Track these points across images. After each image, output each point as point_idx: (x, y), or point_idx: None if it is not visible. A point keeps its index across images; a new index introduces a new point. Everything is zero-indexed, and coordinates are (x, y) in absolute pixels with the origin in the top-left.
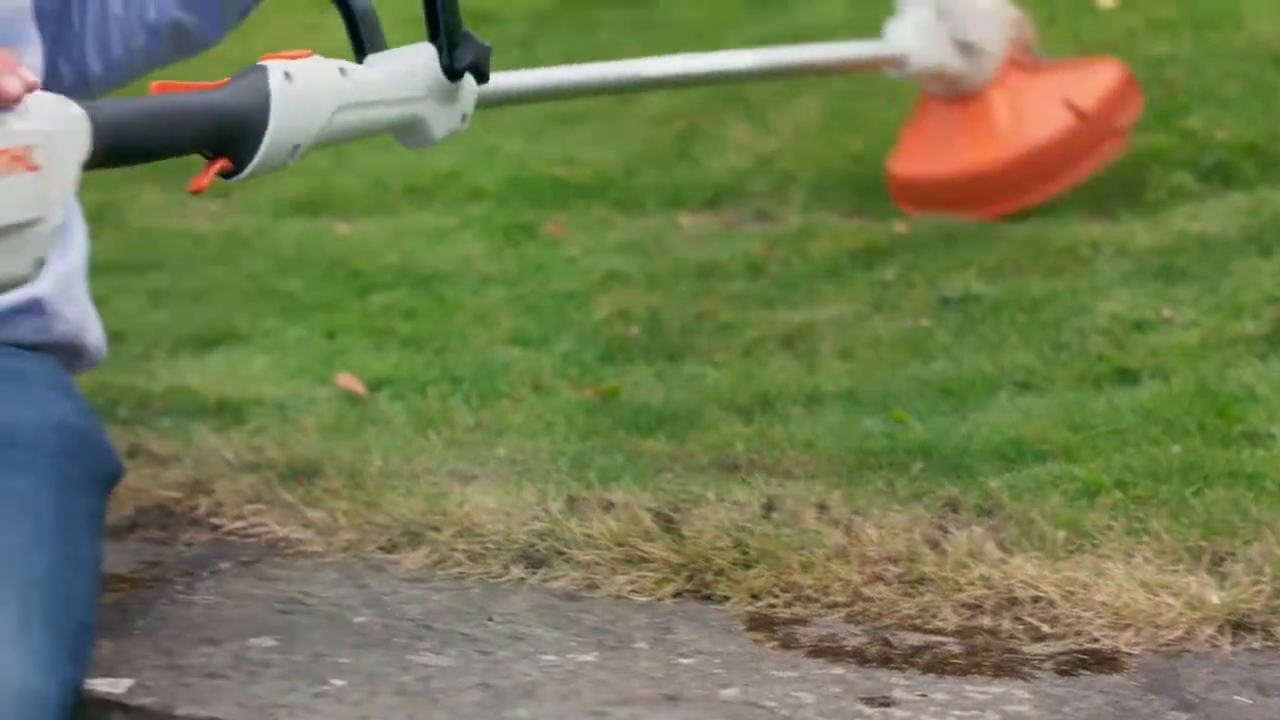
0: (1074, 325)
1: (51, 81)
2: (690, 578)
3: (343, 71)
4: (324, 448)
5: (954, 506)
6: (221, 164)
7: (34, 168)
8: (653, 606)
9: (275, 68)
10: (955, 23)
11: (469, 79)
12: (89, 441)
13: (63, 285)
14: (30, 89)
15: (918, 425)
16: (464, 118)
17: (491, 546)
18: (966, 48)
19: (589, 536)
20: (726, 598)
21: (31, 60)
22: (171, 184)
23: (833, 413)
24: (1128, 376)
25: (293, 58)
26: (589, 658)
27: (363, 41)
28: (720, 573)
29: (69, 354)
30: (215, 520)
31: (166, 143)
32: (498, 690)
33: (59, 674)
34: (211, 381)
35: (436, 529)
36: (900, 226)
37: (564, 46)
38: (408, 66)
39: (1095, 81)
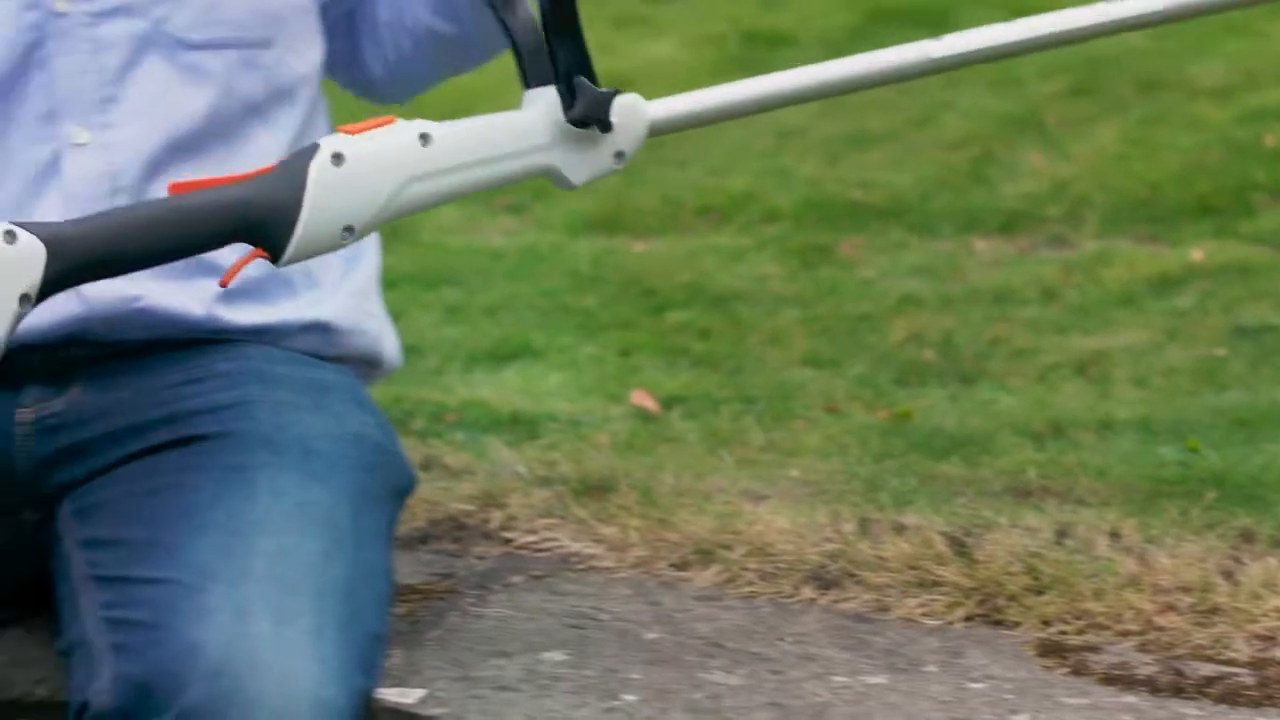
0: None
1: (346, 77)
2: (981, 602)
3: (424, 139)
4: (617, 464)
5: (1248, 537)
6: (255, 254)
7: None
8: (943, 630)
9: (326, 148)
10: None
11: (619, 106)
12: (384, 454)
13: (354, 302)
14: None
15: (1212, 454)
16: (618, 156)
17: (783, 566)
18: None
19: (880, 559)
20: (1017, 623)
21: (311, 58)
22: (467, 200)
23: (1126, 440)
24: None
25: (364, 129)
26: (879, 680)
27: (525, 73)
28: (1012, 598)
29: (365, 365)
30: (507, 534)
31: (172, 246)
32: (788, 710)
33: (351, 683)
34: (505, 396)
35: (728, 548)
36: (1196, 255)
37: None
38: (524, 118)
39: None
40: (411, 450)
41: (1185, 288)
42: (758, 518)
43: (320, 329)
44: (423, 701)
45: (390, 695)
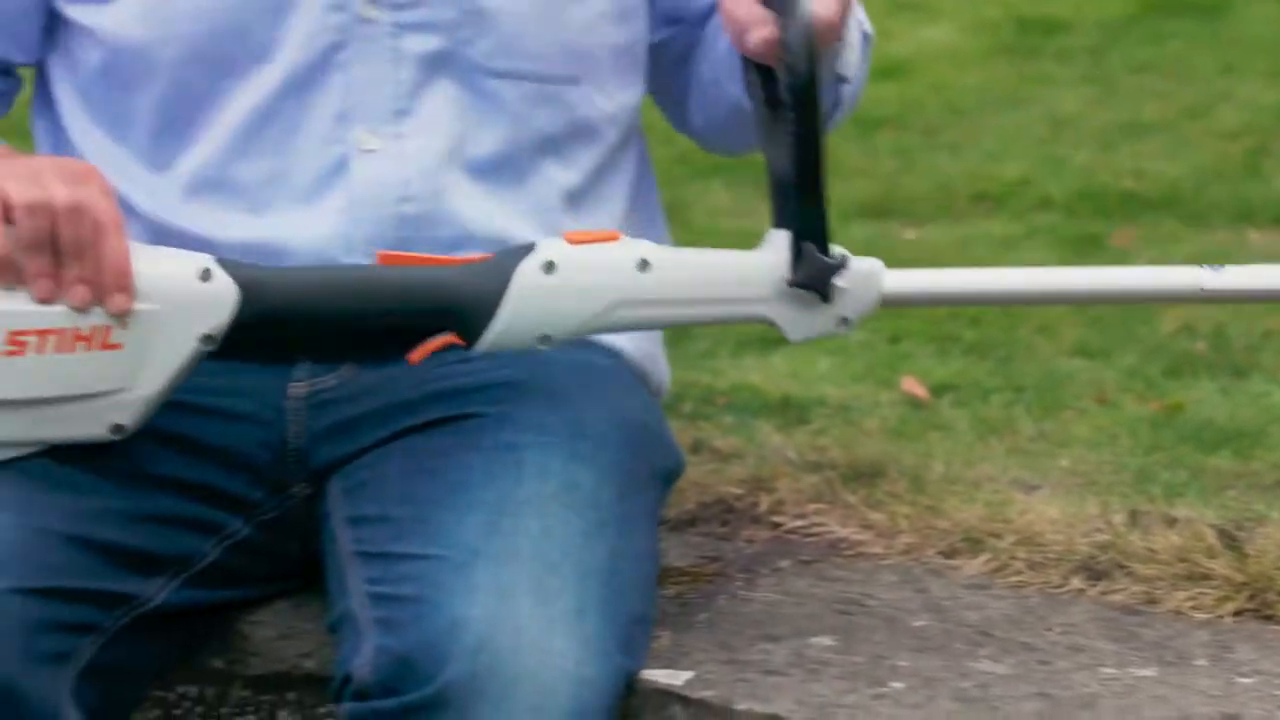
0: None
1: (673, 119)
2: (1252, 597)
3: (644, 265)
4: (886, 450)
5: None
6: (447, 339)
7: (113, 346)
8: (1213, 624)
9: (541, 253)
10: None
11: (853, 273)
12: (652, 436)
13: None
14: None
15: None
16: (843, 322)
17: (1052, 557)
18: None
19: (1151, 551)
20: None
21: (621, 99)
22: (740, 182)
23: None
24: None
25: (587, 241)
26: (1148, 673)
27: (775, 210)
28: None
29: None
30: (776, 518)
31: (369, 315)
32: (1057, 701)
33: (611, 662)
34: (775, 380)
35: (997, 536)
36: None
37: (1134, 58)
38: (750, 265)
39: None
40: (680, 433)
41: None
42: (1028, 507)
43: (597, 348)
44: (690, 683)
45: (658, 676)
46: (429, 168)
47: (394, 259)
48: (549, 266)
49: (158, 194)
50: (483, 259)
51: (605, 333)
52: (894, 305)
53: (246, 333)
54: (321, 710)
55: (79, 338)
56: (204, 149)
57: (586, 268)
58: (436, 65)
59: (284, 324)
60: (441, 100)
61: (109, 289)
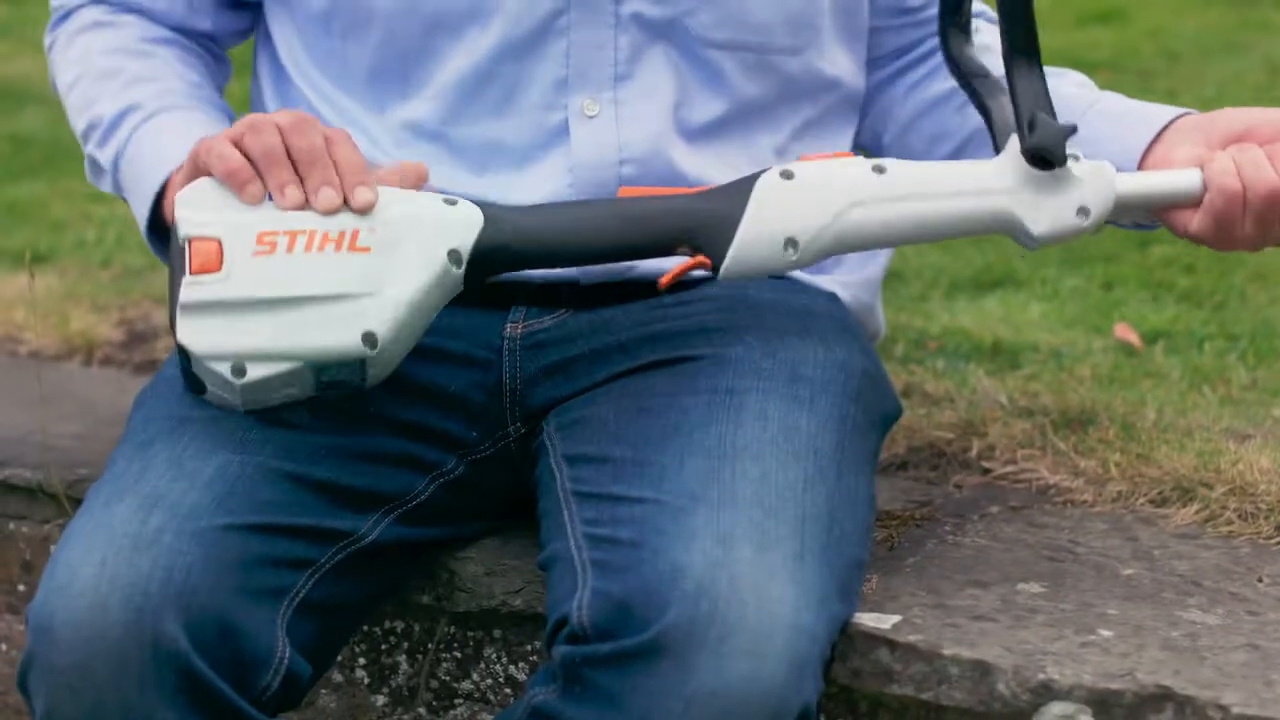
0: None
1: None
2: None
3: (879, 169)
4: (1098, 397)
5: None
6: (696, 261)
7: (361, 249)
8: None
9: (776, 168)
10: None
11: (1086, 165)
12: (871, 381)
13: (866, 281)
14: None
15: None
16: (1082, 212)
17: (1264, 507)
18: None
19: None
20: None
21: (843, 63)
22: None
23: None
24: None
25: (822, 158)
26: None
27: (996, 140)
28: None
29: None
30: (986, 464)
31: (611, 245)
32: (1265, 652)
33: (828, 610)
34: (987, 325)
35: (1208, 486)
36: None
37: None
38: (984, 163)
39: None
40: (893, 376)
41: None
42: (1240, 457)
43: (814, 291)
44: (897, 627)
45: (866, 620)
46: (648, 132)
47: (635, 193)
48: (787, 174)
49: (378, 140)
50: (720, 185)
51: (850, 244)
52: (1128, 206)
53: (489, 260)
54: (527, 648)
55: (327, 239)
56: (421, 105)
57: (825, 172)
58: (657, 32)
59: (528, 252)
60: (661, 65)
61: (350, 185)
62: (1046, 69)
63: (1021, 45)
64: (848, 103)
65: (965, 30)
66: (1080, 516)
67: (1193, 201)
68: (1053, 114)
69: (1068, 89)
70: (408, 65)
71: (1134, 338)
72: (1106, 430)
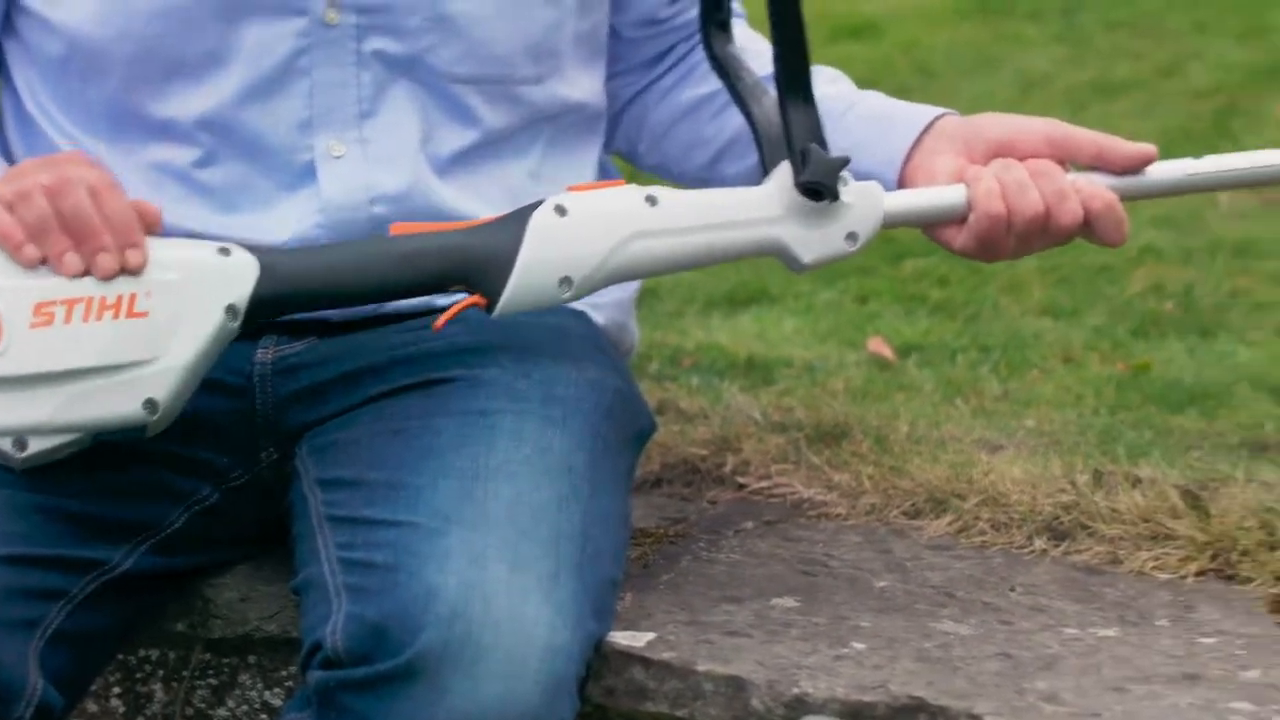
0: None
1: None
2: (1214, 557)
3: (651, 200)
4: (851, 411)
5: None
6: (471, 301)
7: (139, 314)
8: (1175, 584)
9: (551, 201)
10: None
11: (855, 188)
12: (624, 399)
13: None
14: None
15: None
16: (851, 238)
17: (1016, 517)
18: None
19: (1114, 511)
20: (1250, 579)
21: (585, 84)
22: None
23: None
24: None
25: (593, 189)
26: (1110, 633)
27: (764, 161)
28: (1245, 553)
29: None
30: (740, 479)
31: (387, 284)
32: (1018, 661)
33: (583, 629)
34: (741, 341)
35: (961, 497)
36: None
37: (1107, 16)
38: (755, 189)
39: None
40: (647, 394)
41: None
42: (992, 467)
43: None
44: (652, 645)
45: (620, 638)
46: (398, 169)
47: (408, 229)
48: (561, 210)
49: (126, 180)
50: (493, 219)
51: (624, 276)
52: (895, 225)
53: (266, 308)
54: (283, 673)
55: (105, 306)
56: (167, 147)
57: (598, 206)
58: (400, 69)
59: (305, 296)
60: (405, 101)
61: (122, 247)
62: None
63: (795, 76)
64: (592, 120)
65: (726, 29)
66: (834, 530)
67: (958, 218)
68: (824, 144)
69: (824, 88)
70: (149, 108)
71: (887, 351)
72: (860, 443)
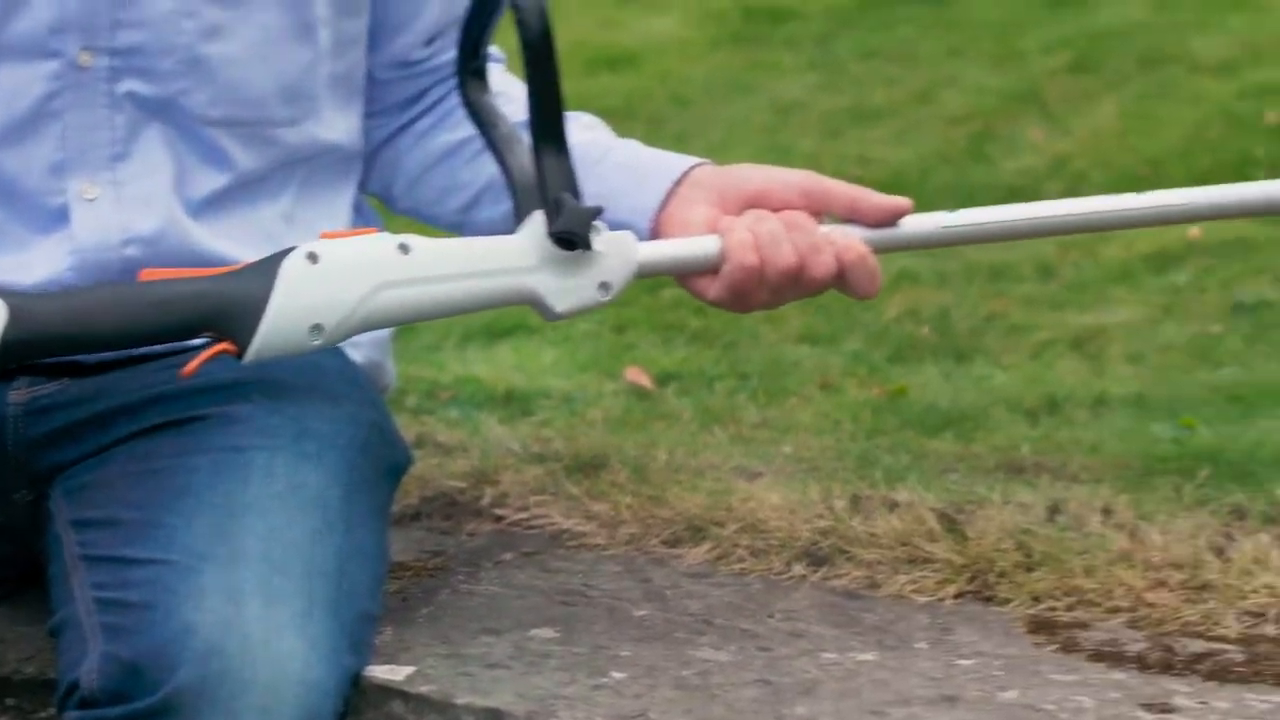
0: None
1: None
2: (972, 579)
3: (404, 248)
4: (610, 441)
5: (1240, 514)
6: (221, 347)
7: None
8: (933, 607)
9: (303, 248)
10: None
11: (608, 238)
12: (380, 433)
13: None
14: None
15: (1206, 431)
16: (604, 287)
17: (774, 543)
18: None
19: (872, 535)
20: (1008, 600)
21: (341, 126)
22: None
23: (1120, 417)
24: None
25: (346, 236)
26: (869, 656)
27: (518, 209)
28: (1002, 575)
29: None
30: (499, 511)
31: (138, 331)
32: (777, 687)
33: (339, 663)
34: (500, 372)
35: (720, 524)
36: (1194, 231)
37: (861, 44)
38: (509, 239)
39: None
40: (405, 427)
41: (1183, 264)
42: (750, 494)
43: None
44: (411, 679)
45: (379, 672)
46: (152, 211)
47: (157, 274)
48: (312, 257)
49: None
50: (245, 265)
51: (376, 324)
52: (650, 274)
53: (16, 354)
54: (42, 715)
55: None
56: None
57: (350, 254)
58: (153, 111)
59: (55, 343)
60: (158, 143)
61: None
62: None
63: (549, 125)
64: (348, 161)
65: (482, 75)
66: (593, 560)
67: (712, 268)
68: (578, 193)
69: (579, 135)
70: None
71: (645, 380)
72: (618, 473)
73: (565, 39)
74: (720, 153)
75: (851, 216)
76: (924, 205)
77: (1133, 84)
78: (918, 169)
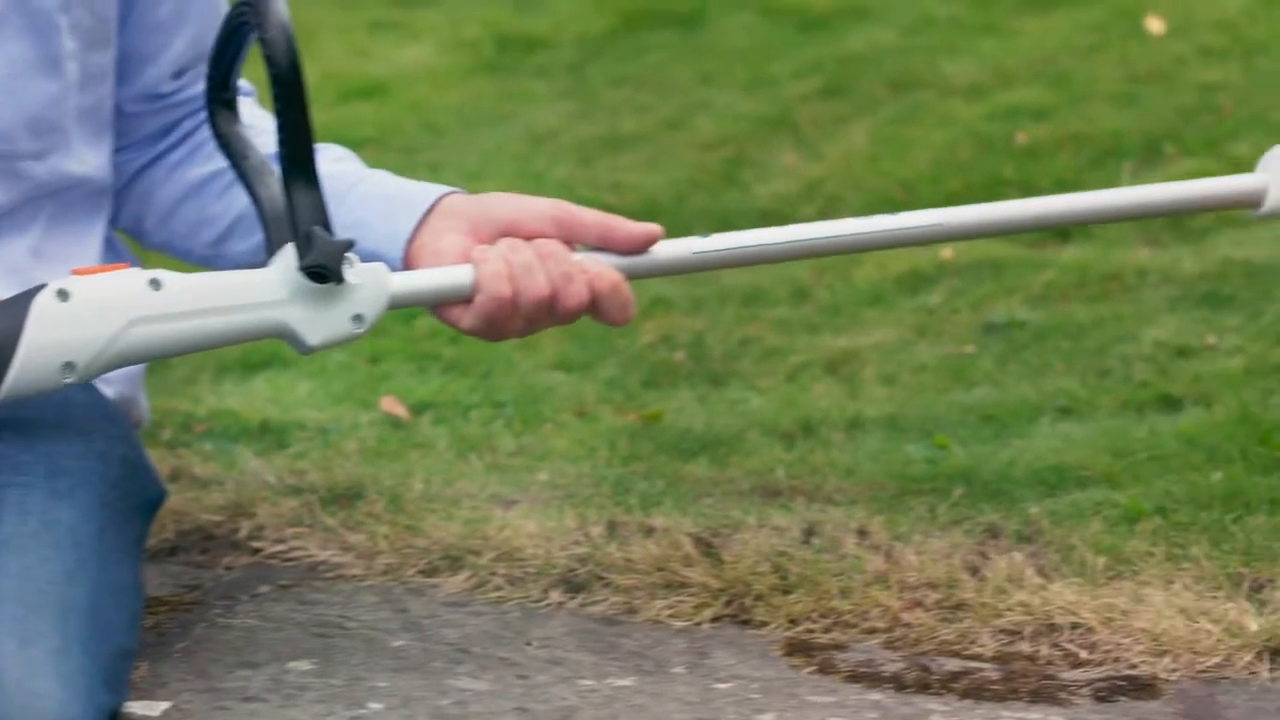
0: (1118, 352)
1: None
2: (729, 603)
3: (155, 284)
4: (366, 471)
5: (994, 533)
6: None
7: None
8: (691, 631)
9: (53, 285)
10: None
11: (360, 270)
12: (132, 468)
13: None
14: None
15: (960, 451)
16: (357, 319)
17: (531, 571)
18: None
19: (629, 561)
20: (765, 623)
21: (91, 160)
22: None
23: (874, 438)
24: (1171, 403)
25: (96, 272)
26: (627, 682)
27: (270, 241)
28: (759, 598)
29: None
30: (256, 544)
31: None
32: (535, 714)
33: (96, 701)
34: (255, 405)
35: (476, 553)
36: (946, 253)
37: (614, 72)
38: (261, 272)
39: None
40: (160, 461)
41: (935, 285)
42: (506, 522)
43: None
44: (167, 714)
45: (136, 709)
46: None
47: None
48: (63, 294)
49: None
50: None
51: (130, 360)
52: (402, 306)
53: None
54: None
55: None
56: None
57: (101, 290)
58: None
59: None
60: None
61: None
62: None
63: (300, 160)
64: (98, 195)
65: (232, 107)
66: (351, 591)
67: (465, 298)
68: (329, 226)
69: (330, 166)
70: None
71: (401, 410)
72: (375, 504)
73: (317, 69)
74: (474, 181)
75: (604, 245)
76: (678, 231)
77: (884, 108)
78: (671, 195)
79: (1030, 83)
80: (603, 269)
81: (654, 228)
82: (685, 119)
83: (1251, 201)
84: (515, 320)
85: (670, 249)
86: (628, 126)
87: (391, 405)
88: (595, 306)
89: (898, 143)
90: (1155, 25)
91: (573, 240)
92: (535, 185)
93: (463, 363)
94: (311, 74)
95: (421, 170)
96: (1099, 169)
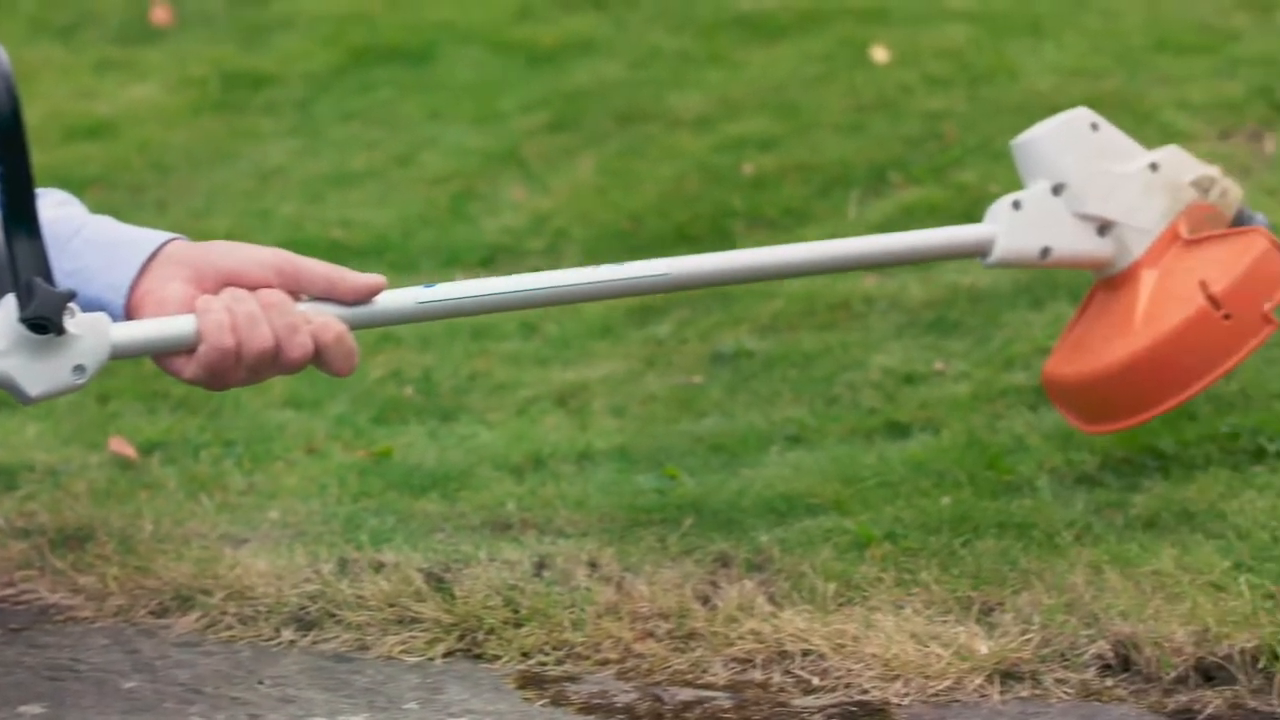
0: (846, 379)
1: None
2: (461, 637)
3: None
4: (95, 513)
5: (725, 562)
6: None
7: None
8: (423, 666)
9: None
10: (1077, 196)
11: (82, 320)
12: None
13: None
14: None
15: (689, 481)
16: (78, 370)
17: (262, 609)
18: (1102, 225)
19: (360, 598)
20: (497, 656)
21: None
22: None
23: (605, 470)
24: (899, 429)
25: None
26: (359, 719)
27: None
28: (491, 631)
29: None
30: None
31: None
32: None
33: None
34: None
35: (207, 593)
36: None
37: (342, 108)
38: None
39: (1235, 256)
40: None
41: (664, 316)
42: (237, 561)
43: None
44: None
45: None
46: None
47: None
48: None
49: None
50: None
51: None
52: (125, 356)
53: None
54: None
55: None
56: None
57: None
58: None
59: None
60: None
61: None
62: None
63: (19, 209)
64: None
65: None
66: (81, 633)
67: (189, 348)
68: (50, 276)
69: (51, 211)
70: None
71: (130, 450)
72: (105, 545)
73: (41, 109)
74: (202, 219)
75: (329, 295)
76: (407, 266)
77: (611, 141)
78: (400, 230)
79: (757, 113)
80: (328, 320)
81: (378, 279)
82: (413, 154)
83: (980, 250)
84: (238, 371)
85: (395, 299)
86: (356, 163)
87: (120, 445)
88: (320, 357)
89: (625, 175)
90: (880, 55)
91: (297, 290)
92: (263, 222)
93: (192, 401)
94: (35, 114)
95: (149, 209)
96: (826, 198)
